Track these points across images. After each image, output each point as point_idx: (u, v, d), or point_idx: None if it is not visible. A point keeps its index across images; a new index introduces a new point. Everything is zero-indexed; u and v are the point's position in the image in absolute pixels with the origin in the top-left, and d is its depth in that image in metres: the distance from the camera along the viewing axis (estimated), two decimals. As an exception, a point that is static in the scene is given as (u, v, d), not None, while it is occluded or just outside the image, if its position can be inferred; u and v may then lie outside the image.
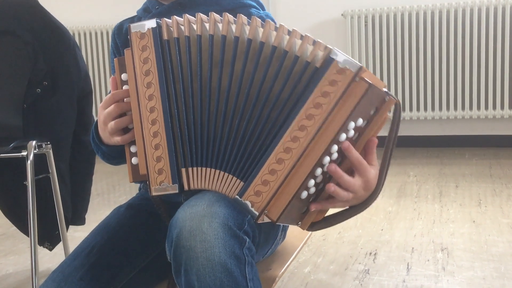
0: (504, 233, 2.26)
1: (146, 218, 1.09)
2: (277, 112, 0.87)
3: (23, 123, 1.89)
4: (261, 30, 0.90)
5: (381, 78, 4.05)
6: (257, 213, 0.86)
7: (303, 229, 0.92)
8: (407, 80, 4.00)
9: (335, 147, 0.85)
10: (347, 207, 0.93)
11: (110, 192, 3.38)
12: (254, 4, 1.17)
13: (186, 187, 0.93)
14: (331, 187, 0.85)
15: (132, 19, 1.23)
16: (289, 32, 0.89)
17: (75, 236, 2.36)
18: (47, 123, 1.92)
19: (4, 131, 1.93)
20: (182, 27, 0.93)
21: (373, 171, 0.89)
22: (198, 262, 0.82)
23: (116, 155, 1.08)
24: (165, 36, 0.93)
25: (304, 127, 0.85)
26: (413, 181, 3.18)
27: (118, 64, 0.99)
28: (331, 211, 0.95)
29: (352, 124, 0.85)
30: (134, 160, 0.98)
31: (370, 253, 2.12)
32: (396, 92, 4.03)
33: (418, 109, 4.03)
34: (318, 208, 0.89)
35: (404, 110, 4.05)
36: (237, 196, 0.88)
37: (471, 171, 3.34)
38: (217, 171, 0.91)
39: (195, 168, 0.92)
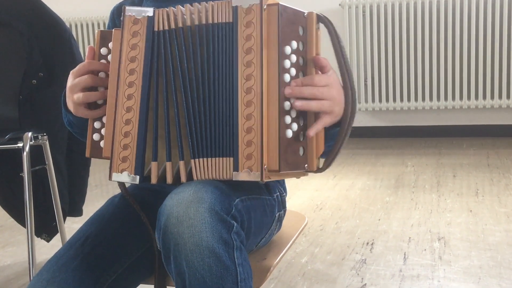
0: (501, 222, 2.27)
1: (140, 208, 1.09)
2: (227, 78, 0.89)
3: (19, 115, 1.89)
4: (195, 14, 0.92)
5: (379, 68, 4.04)
6: (258, 173, 0.86)
7: (313, 171, 0.93)
8: (405, 70, 3.99)
9: (287, 77, 0.88)
10: (336, 124, 0.95)
11: (108, 184, 3.38)
12: None
13: (154, 181, 0.93)
14: (297, 102, 0.87)
15: (133, 1, 1.22)
16: (206, 7, 0.91)
17: (73, 227, 2.37)
18: (43, 114, 1.92)
19: (0, 122, 1.93)
20: (172, 19, 0.93)
21: (331, 76, 0.92)
22: (186, 248, 0.82)
23: (82, 125, 1.05)
24: (156, 28, 0.93)
25: (250, 76, 0.87)
26: (411, 171, 3.19)
27: (99, 37, 0.98)
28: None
29: (288, 49, 0.88)
30: (95, 136, 0.98)
31: (367, 243, 2.13)
32: (394, 82, 4.03)
33: (416, 99, 4.02)
34: (313, 131, 0.90)
35: (402, 100, 4.05)
36: (234, 172, 0.88)
37: (468, 161, 3.34)
38: (208, 159, 0.91)
39: (182, 162, 0.92)
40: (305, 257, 2.03)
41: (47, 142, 1.88)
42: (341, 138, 0.95)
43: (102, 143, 0.98)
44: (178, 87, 0.92)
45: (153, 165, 0.93)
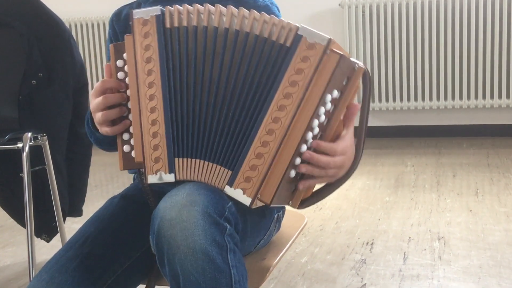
0: (500, 221, 2.27)
1: (139, 209, 1.09)
2: (257, 96, 0.88)
3: (19, 115, 1.89)
4: (237, 19, 0.90)
5: (379, 68, 4.04)
6: (250, 199, 0.87)
7: (294, 208, 0.93)
8: (405, 70, 3.99)
9: (315, 122, 0.87)
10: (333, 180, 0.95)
11: (108, 184, 3.38)
12: None
13: (177, 177, 0.93)
14: (302, 167, 0.88)
15: (131, 5, 1.21)
16: (255, 17, 0.90)
17: (73, 227, 2.37)
18: (43, 114, 1.92)
19: (0, 123, 1.93)
20: (183, 17, 0.93)
21: (348, 140, 0.92)
22: (180, 251, 0.82)
23: (109, 141, 1.07)
24: (168, 25, 0.93)
25: (284, 107, 0.86)
26: (411, 171, 3.19)
27: (114, 50, 0.98)
28: (318, 186, 0.98)
29: (329, 97, 0.87)
30: (126, 148, 0.97)
31: (367, 243, 2.13)
32: (394, 82, 4.03)
33: (415, 99, 4.02)
34: (305, 185, 0.90)
35: (402, 100, 4.05)
36: (227, 186, 0.88)
37: (468, 161, 3.34)
38: (206, 163, 0.91)
39: (185, 159, 0.92)
40: (305, 257, 2.03)
41: (47, 143, 1.88)
42: (331, 190, 0.96)
43: (133, 153, 0.97)
44: (190, 83, 0.92)
45: (176, 162, 0.93)
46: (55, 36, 1.93)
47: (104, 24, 4.54)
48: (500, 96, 3.89)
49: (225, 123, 0.90)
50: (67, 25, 2.15)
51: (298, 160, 0.88)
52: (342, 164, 0.92)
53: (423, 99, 4.01)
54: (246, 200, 0.87)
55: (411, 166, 3.31)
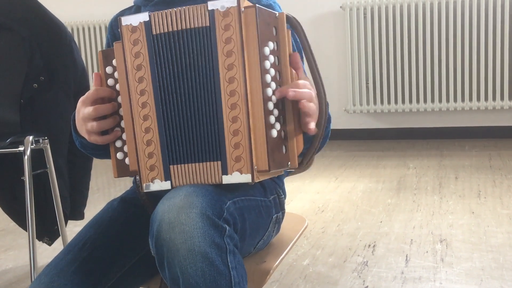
0: (503, 224, 2.26)
1: (139, 212, 1.09)
2: (207, 82, 0.91)
3: (20, 119, 1.89)
4: (184, 19, 0.92)
5: (380, 70, 4.04)
6: (249, 175, 0.88)
7: (295, 167, 0.94)
8: (407, 72, 3.99)
9: (268, 77, 0.89)
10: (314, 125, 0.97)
11: (110, 187, 3.38)
12: None
13: (174, 184, 0.93)
14: (290, 91, 0.89)
15: (130, 9, 1.21)
16: (180, 13, 0.92)
17: (75, 231, 2.37)
18: (44, 118, 1.92)
19: (1, 126, 1.93)
20: (169, 21, 0.93)
21: (306, 79, 0.96)
22: (179, 254, 0.82)
23: (94, 146, 1.06)
24: (155, 31, 0.93)
25: (233, 78, 0.89)
26: (413, 173, 3.18)
27: (102, 57, 0.97)
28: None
29: (267, 50, 0.89)
30: (119, 155, 0.97)
31: (369, 245, 2.12)
32: (395, 84, 4.03)
33: (418, 101, 4.02)
34: (309, 124, 0.91)
35: (404, 102, 4.05)
36: (223, 176, 0.88)
37: (470, 163, 3.34)
38: (197, 164, 0.92)
39: (179, 166, 0.93)
40: (306, 260, 2.03)
41: (48, 146, 1.88)
42: (318, 137, 0.97)
43: (127, 160, 0.97)
44: (176, 90, 0.93)
45: (171, 169, 0.93)
46: (56, 39, 1.93)
47: (105, 28, 4.54)
48: (502, 98, 3.88)
49: (201, 120, 0.92)
50: (68, 28, 2.15)
51: (272, 119, 0.90)
52: (312, 96, 0.93)
53: (425, 101, 4.01)
54: (246, 178, 0.88)
55: (413, 168, 3.30)
